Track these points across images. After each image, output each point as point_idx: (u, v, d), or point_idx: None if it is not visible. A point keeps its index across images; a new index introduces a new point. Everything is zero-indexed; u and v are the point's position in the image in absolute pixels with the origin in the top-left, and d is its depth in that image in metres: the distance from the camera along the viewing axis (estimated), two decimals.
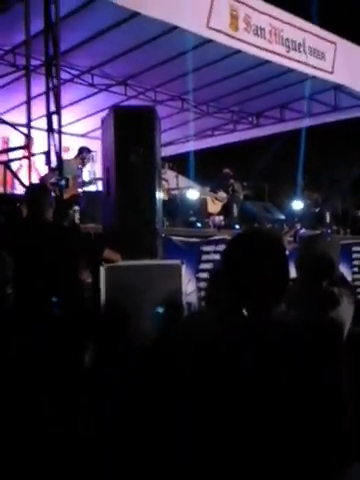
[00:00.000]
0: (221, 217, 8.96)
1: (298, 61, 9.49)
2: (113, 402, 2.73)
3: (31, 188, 5.24)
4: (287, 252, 1.93)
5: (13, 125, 7.16)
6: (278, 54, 9.15)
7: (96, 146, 7.38)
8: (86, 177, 8.28)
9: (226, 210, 8.94)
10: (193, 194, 8.52)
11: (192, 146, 12.29)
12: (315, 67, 9.78)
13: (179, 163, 10.25)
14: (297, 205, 9.77)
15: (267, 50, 8.97)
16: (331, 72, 10.02)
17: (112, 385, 2.91)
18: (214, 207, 9.16)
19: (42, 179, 6.58)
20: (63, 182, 6.31)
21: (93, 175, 8.52)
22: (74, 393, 3.31)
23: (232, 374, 1.55)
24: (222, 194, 9.47)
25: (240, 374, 1.54)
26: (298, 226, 8.37)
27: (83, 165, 8.11)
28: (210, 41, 8.24)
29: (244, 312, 1.69)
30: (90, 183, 8.19)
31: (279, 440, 1.51)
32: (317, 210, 9.95)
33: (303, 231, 8.09)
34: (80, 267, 4.61)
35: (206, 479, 1.53)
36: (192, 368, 1.60)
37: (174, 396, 1.60)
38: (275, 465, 1.50)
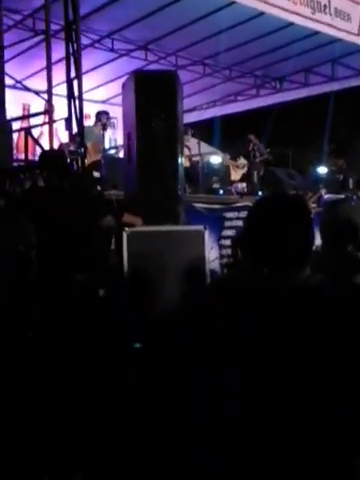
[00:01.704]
0: (244, 184, 8.88)
1: (323, 23, 9.24)
2: (141, 364, 2.75)
3: (43, 155, 5.19)
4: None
5: (34, 91, 7.12)
6: (303, 16, 8.92)
7: (117, 112, 7.31)
8: (107, 143, 8.21)
9: (247, 177, 8.87)
10: (216, 160, 8.43)
11: (214, 112, 12.14)
12: (341, 29, 9.52)
13: (201, 129, 10.13)
14: (321, 171, 9.63)
15: (291, 12, 8.74)
16: (357, 34, 9.74)
17: (139, 348, 2.93)
18: (236, 175, 9.08)
19: (60, 147, 6.55)
20: (82, 150, 6.26)
21: (114, 142, 8.45)
22: (99, 359, 3.34)
23: (259, 333, 1.53)
24: (242, 161, 9.36)
25: (267, 334, 1.53)
26: (322, 191, 8.26)
27: (104, 130, 8.01)
28: (233, 3, 8.06)
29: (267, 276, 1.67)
30: (111, 149, 8.13)
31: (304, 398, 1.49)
32: (341, 176, 9.80)
33: (327, 196, 7.97)
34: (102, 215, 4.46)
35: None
36: (223, 327, 1.59)
37: (210, 353, 1.59)
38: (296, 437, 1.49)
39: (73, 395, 3.09)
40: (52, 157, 4.56)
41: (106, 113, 8.06)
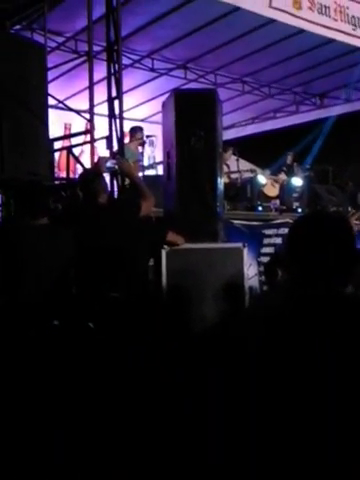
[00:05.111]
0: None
1: None
2: (175, 384, 2.73)
3: (82, 174, 5.25)
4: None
5: (76, 111, 7.26)
6: (344, 32, 8.88)
7: (156, 130, 7.38)
8: (146, 161, 8.26)
9: (282, 193, 8.85)
10: (262, 179, 8.47)
11: (253, 129, 12.14)
12: None
13: (240, 146, 10.13)
14: None
15: (332, 29, 8.72)
16: None
17: (174, 367, 2.91)
18: (273, 191, 9.03)
19: (98, 161, 6.58)
20: (117, 167, 6.27)
21: (153, 160, 8.50)
22: (134, 375, 3.33)
23: (300, 353, 1.51)
24: (282, 177, 9.31)
25: (307, 353, 1.50)
26: None
27: (142, 147, 7.88)
28: (273, 21, 8.08)
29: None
30: (150, 167, 8.17)
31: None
32: None
33: None
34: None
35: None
36: (260, 348, 1.56)
37: (242, 376, 1.58)
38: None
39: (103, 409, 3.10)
40: (90, 176, 4.60)
41: (140, 129, 7.97)
